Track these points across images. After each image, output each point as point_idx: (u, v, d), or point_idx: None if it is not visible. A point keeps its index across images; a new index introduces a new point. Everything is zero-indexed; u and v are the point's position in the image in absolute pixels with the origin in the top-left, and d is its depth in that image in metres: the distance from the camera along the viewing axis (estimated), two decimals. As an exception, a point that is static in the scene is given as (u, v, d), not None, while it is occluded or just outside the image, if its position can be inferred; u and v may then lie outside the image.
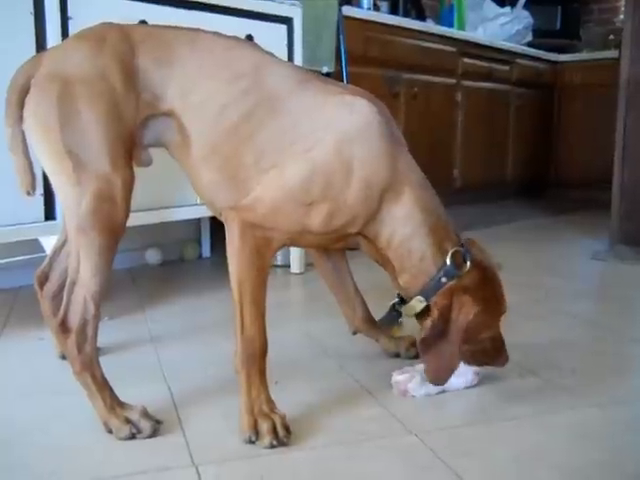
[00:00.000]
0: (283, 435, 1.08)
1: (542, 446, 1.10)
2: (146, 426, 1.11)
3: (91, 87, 1.13)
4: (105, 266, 1.13)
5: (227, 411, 1.20)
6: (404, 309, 1.31)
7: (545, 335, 1.71)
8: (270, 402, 1.13)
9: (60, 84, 1.12)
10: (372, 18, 3.46)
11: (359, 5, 3.71)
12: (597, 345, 1.64)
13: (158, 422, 1.14)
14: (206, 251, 2.80)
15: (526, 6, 4.77)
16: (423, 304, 1.25)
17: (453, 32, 4.14)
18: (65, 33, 1.68)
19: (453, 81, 4.10)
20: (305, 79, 1.24)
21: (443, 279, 1.22)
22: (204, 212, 2.06)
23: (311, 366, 1.47)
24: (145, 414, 1.13)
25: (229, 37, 1.27)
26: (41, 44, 1.66)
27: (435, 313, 1.21)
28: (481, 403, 1.28)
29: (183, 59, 1.20)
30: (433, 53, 3.89)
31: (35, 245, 1.78)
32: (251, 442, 1.08)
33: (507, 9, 4.72)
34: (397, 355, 1.52)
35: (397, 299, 1.35)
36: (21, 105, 1.14)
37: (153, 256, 2.59)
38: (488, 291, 1.25)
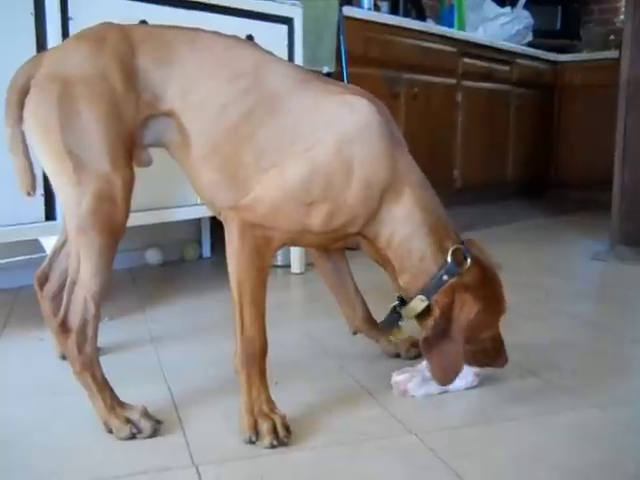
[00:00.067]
0: (283, 435, 1.08)
1: (542, 446, 1.10)
2: (146, 426, 1.11)
3: (91, 87, 1.13)
4: (105, 266, 1.13)
5: (227, 411, 1.20)
6: (404, 311, 1.31)
7: (545, 336, 1.71)
8: (270, 402, 1.13)
9: (60, 84, 1.12)
10: (372, 18, 3.46)
11: (359, 5, 3.71)
12: (597, 346, 1.64)
13: (158, 422, 1.14)
14: (206, 251, 2.80)
15: (526, 6, 4.78)
16: (424, 303, 1.25)
17: (453, 32, 4.14)
18: (65, 33, 1.68)
19: (453, 81, 4.10)
20: (305, 79, 1.24)
21: (444, 277, 1.22)
22: (204, 212, 2.06)
23: (311, 366, 1.47)
24: (145, 414, 1.13)
25: (229, 36, 1.27)
26: (41, 44, 1.66)
27: (437, 312, 1.21)
28: (481, 403, 1.28)
29: (183, 59, 1.20)
30: (433, 53, 3.89)
31: (35, 245, 1.78)
32: (251, 442, 1.08)
33: (507, 9, 4.72)
34: (397, 355, 1.52)
35: (397, 301, 1.35)
36: (21, 105, 1.14)
37: (153, 256, 2.59)
38: (488, 290, 1.25)
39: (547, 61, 5.00)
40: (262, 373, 1.13)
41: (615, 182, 2.83)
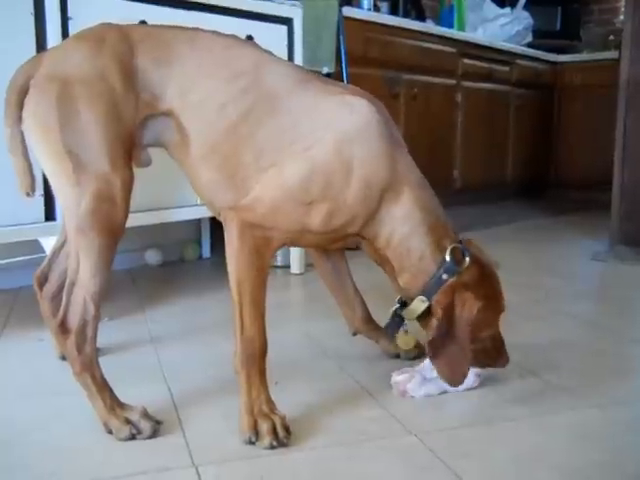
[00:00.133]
0: (283, 436, 1.08)
1: (542, 447, 1.10)
2: (146, 427, 1.11)
3: (90, 87, 1.13)
4: (105, 267, 1.13)
5: (227, 412, 1.20)
6: (405, 313, 1.31)
7: (545, 336, 1.71)
8: (270, 402, 1.13)
9: (59, 84, 1.12)
10: (372, 19, 3.46)
11: (359, 6, 3.71)
12: (597, 346, 1.64)
13: (158, 423, 1.14)
14: (206, 252, 2.80)
15: (526, 7, 4.78)
16: (425, 304, 1.25)
17: (453, 33, 4.14)
18: (65, 33, 1.68)
19: (453, 82, 4.11)
20: (305, 79, 1.24)
21: (444, 276, 1.22)
22: (204, 213, 2.06)
23: (311, 367, 1.47)
24: (145, 415, 1.13)
25: (228, 36, 1.27)
26: (41, 44, 1.66)
27: (439, 312, 1.21)
28: (481, 404, 1.28)
29: (182, 58, 1.20)
30: (433, 54, 3.89)
31: (35, 246, 1.78)
32: (251, 443, 1.08)
33: (507, 10, 4.72)
34: (397, 356, 1.51)
35: (398, 305, 1.35)
36: (20, 106, 1.14)
37: (153, 257, 2.59)
38: (488, 288, 1.25)
39: (547, 62, 5.00)
40: (262, 373, 1.13)
41: (615, 182, 2.83)
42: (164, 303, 2.02)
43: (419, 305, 1.26)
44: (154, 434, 1.11)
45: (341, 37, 2.95)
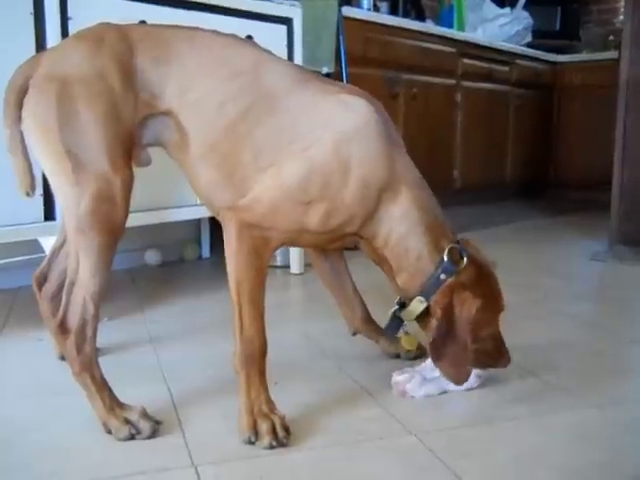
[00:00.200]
0: (282, 436, 1.08)
1: (541, 447, 1.10)
2: (145, 427, 1.11)
3: (90, 87, 1.13)
4: (104, 267, 1.13)
5: (226, 412, 1.20)
6: (404, 314, 1.31)
7: (544, 336, 1.71)
8: (269, 403, 1.13)
9: (59, 84, 1.12)
10: (372, 19, 3.46)
11: (359, 6, 3.71)
12: (596, 346, 1.64)
13: (157, 423, 1.14)
14: (206, 252, 2.80)
15: (526, 7, 4.78)
16: (423, 305, 1.25)
17: (453, 33, 4.14)
18: (65, 33, 1.68)
19: (453, 82, 4.11)
20: (304, 78, 1.24)
21: (442, 276, 1.22)
22: (204, 213, 2.06)
23: (310, 367, 1.47)
24: (144, 415, 1.13)
25: (227, 35, 1.27)
26: (41, 44, 1.66)
27: (438, 312, 1.21)
28: (480, 404, 1.28)
29: (181, 57, 1.20)
30: (433, 54, 3.89)
31: (34, 245, 1.78)
32: (250, 443, 1.08)
33: (507, 10, 4.73)
34: (397, 356, 1.51)
35: (396, 306, 1.35)
36: (20, 105, 1.14)
37: (153, 257, 2.59)
38: (486, 288, 1.25)
39: (546, 62, 5.01)
40: (261, 373, 1.13)
41: (614, 182, 2.83)
42: (163, 303, 2.02)
43: (418, 306, 1.26)
44: (153, 434, 1.11)
45: (341, 37, 2.95)
